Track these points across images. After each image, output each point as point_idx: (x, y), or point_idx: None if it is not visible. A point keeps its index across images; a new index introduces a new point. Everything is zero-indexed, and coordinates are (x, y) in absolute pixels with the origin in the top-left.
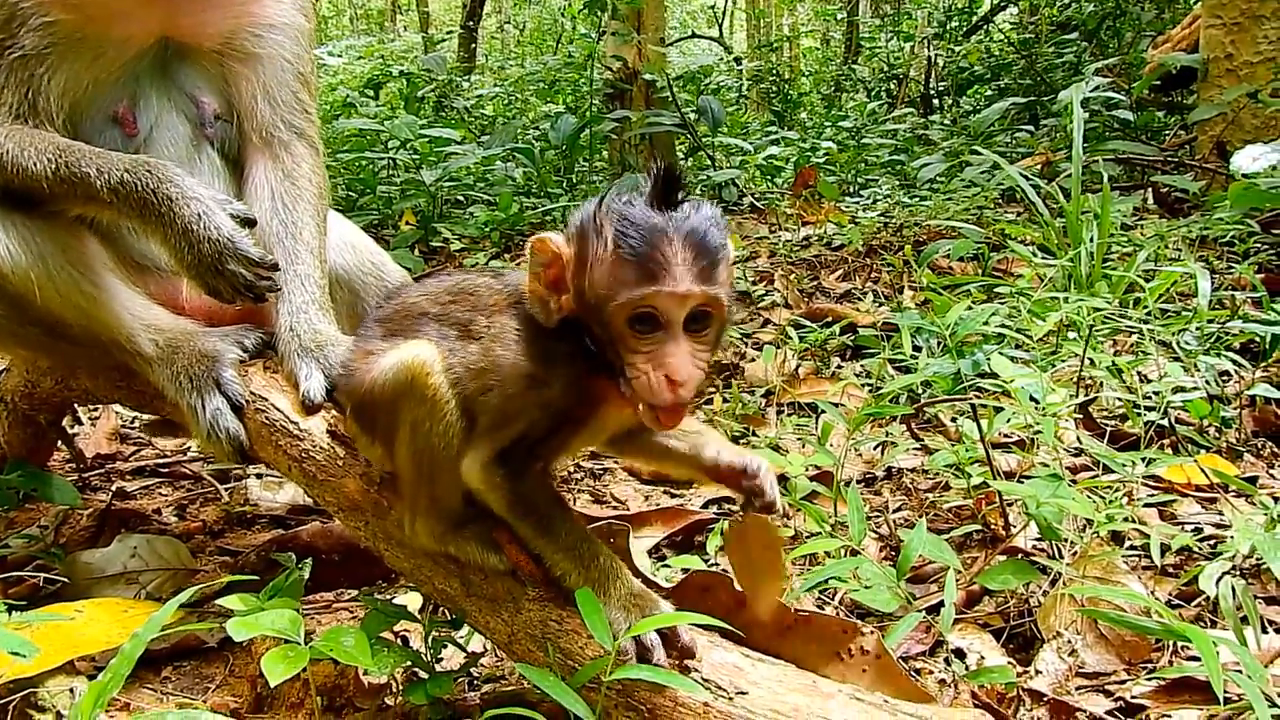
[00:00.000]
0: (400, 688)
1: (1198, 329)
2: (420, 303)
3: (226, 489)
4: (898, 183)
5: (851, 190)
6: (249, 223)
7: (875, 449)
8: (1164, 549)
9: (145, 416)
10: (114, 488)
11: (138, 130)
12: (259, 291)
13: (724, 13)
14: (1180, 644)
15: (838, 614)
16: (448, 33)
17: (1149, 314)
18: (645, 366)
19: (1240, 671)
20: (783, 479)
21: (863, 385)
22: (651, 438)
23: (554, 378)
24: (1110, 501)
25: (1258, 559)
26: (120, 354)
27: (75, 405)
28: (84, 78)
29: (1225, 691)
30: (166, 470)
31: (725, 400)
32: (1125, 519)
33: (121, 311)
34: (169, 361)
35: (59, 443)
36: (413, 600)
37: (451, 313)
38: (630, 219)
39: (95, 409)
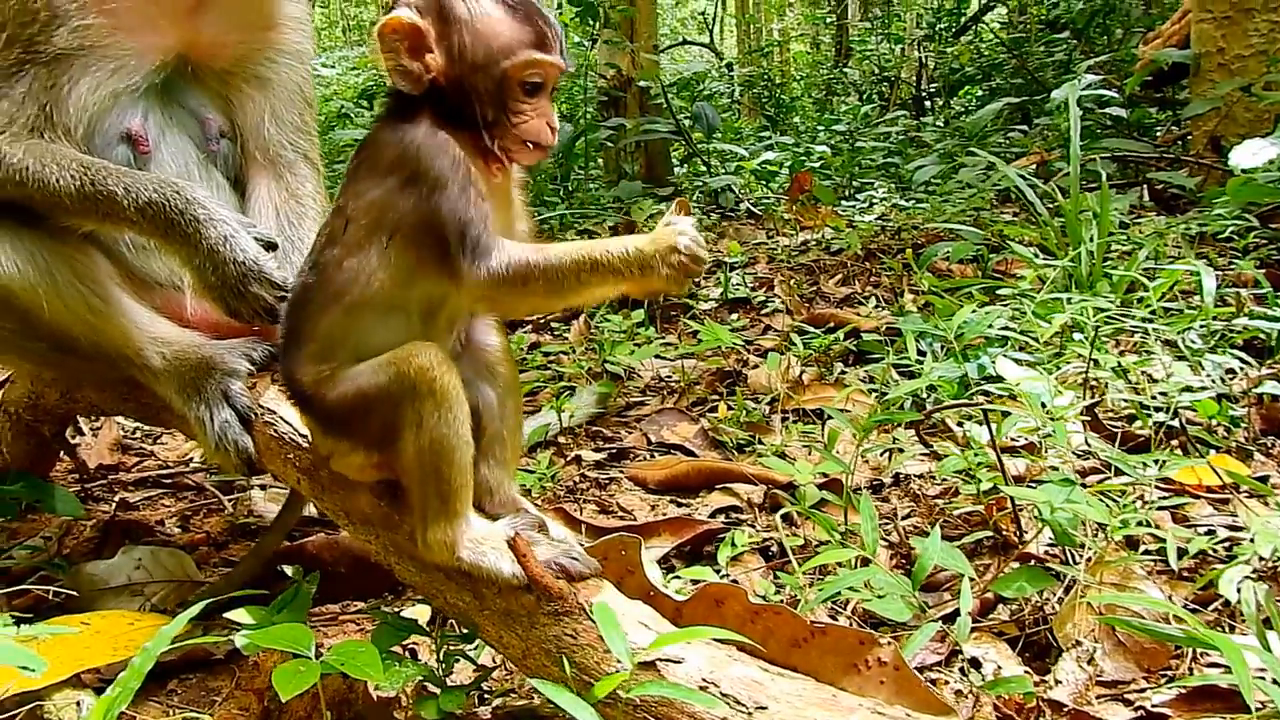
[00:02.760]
0: (410, 702)
1: (1202, 327)
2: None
3: (230, 500)
4: (893, 185)
5: (847, 194)
6: (271, 246)
7: (882, 455)
8: (1180, 553)
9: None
10: (117, 499)
11: (149, 148)
12: (278, 314)
13: (714, 19)
14: (1200, 650)
15: (851, 624)
16: None
17: (1152, 313)
18: (533, 115)
19: (1264, 678)
20: (791, 487)
21: (868, 391)
22: None
23: (433, 159)
24: (1124, 505)
25: (1275, 561)
26: (128, 367)
27: (78, 416)
28: (103, 89)
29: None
30: (169, 481)
31: (730, 408)
32: (1139, 523)
33: (129, 325)
34: (177, 374)
35: (61, 453)
36: (421, 613)
37: (318, 243)
38: None
39: (97, 420)
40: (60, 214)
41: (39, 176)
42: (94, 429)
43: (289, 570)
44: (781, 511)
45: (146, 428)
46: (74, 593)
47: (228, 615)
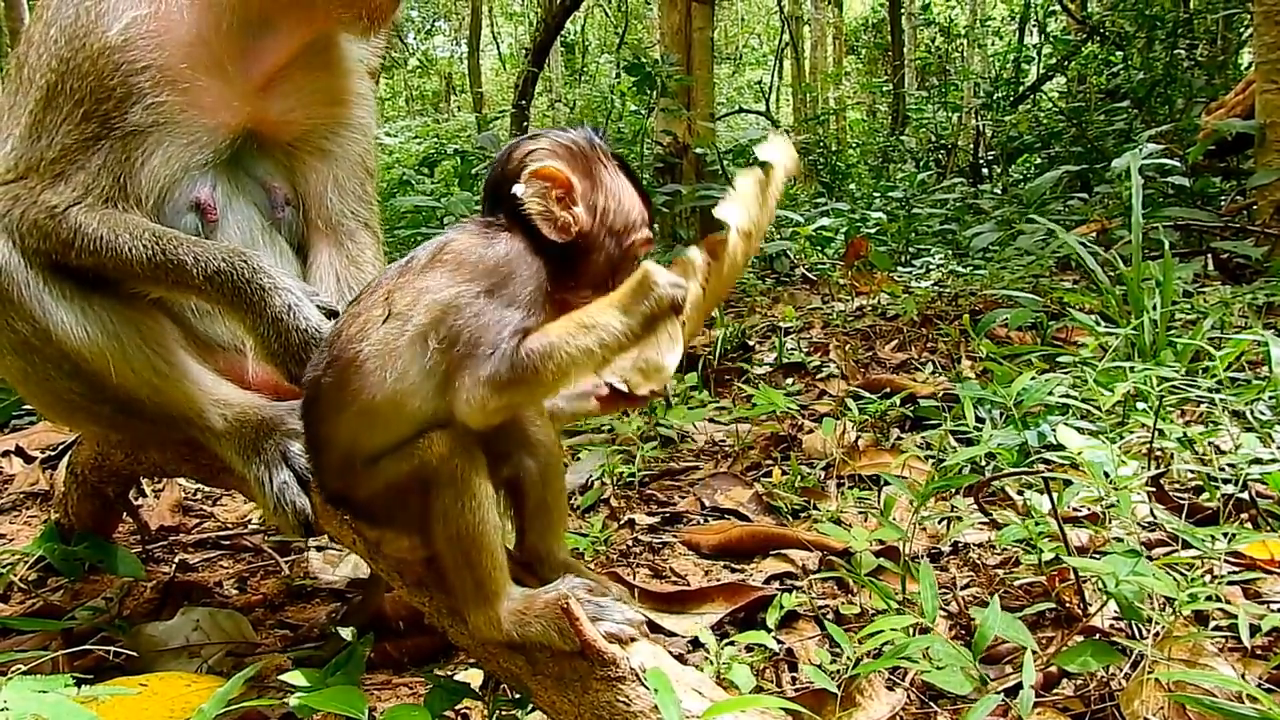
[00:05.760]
0: None
1: (1271, 398)
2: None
3: (287, 561)
4: (950, 252)
5: (903, 260)
6: (333, 314)
7: (940, 523)
8: (1253, 629)
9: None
10: (177, 559)
11: (217, 216)
12: None
13: (771, 88)
14: None
15: (908, 695)
16: (500, 112)
17: (1218, 383)
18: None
19: None
20: (847, 554)
21: (925, 457)
22: None
23: (526, 280)
24: (1192, 579)
25: None
26: (190, 429)
27: (141, 478)
28: (175, 162)
29: None
30: (228, 542)
31: (784, 473)
32: (1209, 597)
33: (192, 388)
34: (237, 435)
35: (124, 514)
36: (474, 676)
37: (345, 330)
38: (623, 163)
39: (160, 481)
40: (131, 281)
41: (112, 245)
42: (156, 490)
43: (344, 632)
44: (836, 577)
45: (207, 489)
46: (134, 653)
47: (282, 677)
